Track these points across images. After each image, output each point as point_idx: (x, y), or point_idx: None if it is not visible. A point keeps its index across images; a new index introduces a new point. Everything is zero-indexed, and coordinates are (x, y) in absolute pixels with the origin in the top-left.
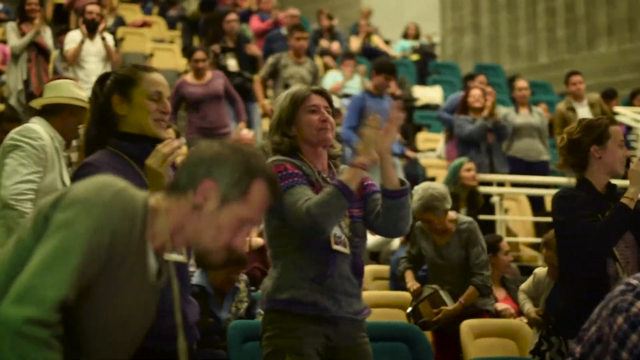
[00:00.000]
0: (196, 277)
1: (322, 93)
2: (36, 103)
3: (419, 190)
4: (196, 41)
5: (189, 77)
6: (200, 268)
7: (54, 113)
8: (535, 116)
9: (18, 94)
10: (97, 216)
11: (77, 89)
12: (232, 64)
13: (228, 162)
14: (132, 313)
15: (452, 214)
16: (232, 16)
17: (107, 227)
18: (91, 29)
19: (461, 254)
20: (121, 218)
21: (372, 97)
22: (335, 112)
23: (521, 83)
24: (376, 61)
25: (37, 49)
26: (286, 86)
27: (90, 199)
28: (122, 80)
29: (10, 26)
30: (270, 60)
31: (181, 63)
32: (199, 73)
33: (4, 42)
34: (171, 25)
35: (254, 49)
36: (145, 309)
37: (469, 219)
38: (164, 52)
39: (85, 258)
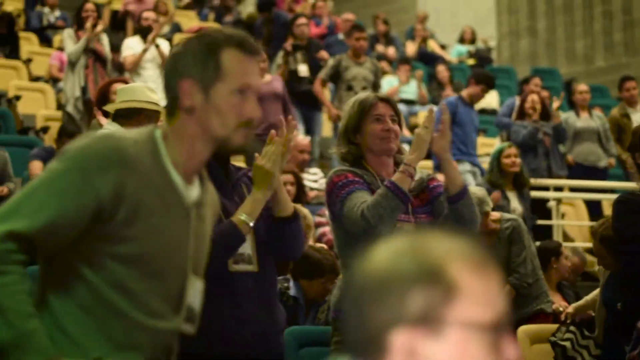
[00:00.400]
0: (291, 290)
1: (389, 101)
2: (111, 107)
3: None
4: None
5: None
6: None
7: (128, 117)
8: (595, 120)
9: (75, 100)
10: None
11: (151, 92)
12: (302, 69)
13: (188, 52)
14: (177, 241)
15: (495, 214)
16: (302, 20)
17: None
18: (145, 36)
19: (505, 253)
20: (108, 162)
21: (464, 104)
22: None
23: (582, 87)
24: (477, 72)
25: (94, 56)
26: (349, 88)
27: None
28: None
29: (67, 33)
30: (331, 62)
31: None
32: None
33: (62, 49)
34: None
35: (325, 54)
36: (185, 240)
37: (513, 216)
38: None
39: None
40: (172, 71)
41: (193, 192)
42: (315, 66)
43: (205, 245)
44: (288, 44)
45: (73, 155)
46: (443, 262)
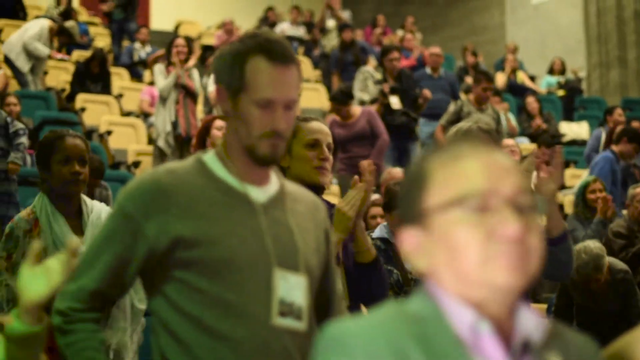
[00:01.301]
0: None
1: (490, 133)
2: None
3: (581, 254)
4: (335, 79)
5: (337, 117)
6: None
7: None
8: None
9: (166, 135)
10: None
11: None
12: (394, 101)
13: (222, 58)
14: (248, 240)
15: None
16: (395, 54)
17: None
18: None
19: (617, 303)
20: (157, 193)
21: (617, 160)
22: None
23: None
24: (629, 129)
25: (184, 91)
26: None
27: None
28: None
29: (158, 68)
30: (452, 108)
31: (327, 102)
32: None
33: (152, 84)
34: (316, 65)
35: (427, 93)
36: (259, 235)
37: (624, 267)
38: (309, 92)
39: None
40: (214, 75)
41: (263, 191)
42: (407, 97)
43: (300, 238)
44: (386, 86)
45: (117, 200)
46: (422, 162)
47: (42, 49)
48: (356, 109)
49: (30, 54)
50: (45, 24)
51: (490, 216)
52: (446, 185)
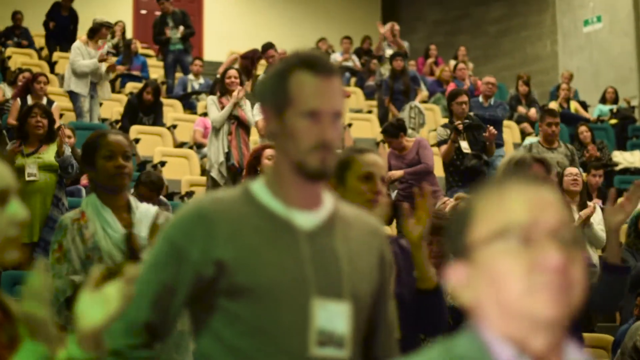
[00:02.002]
0: None
1: (544, 163)
2: None
3: None
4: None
5: (392, 149)
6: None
7: None
8: None
9: (219, 166)
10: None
11: None
12: (464, 145)
13: (265, 79)
14: (290, 267)
15: None
16: (464, 98)
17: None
18: None
19: None
20: (200, 222)
21: None
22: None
23: None
24: None
25: (237, 122)
26: None
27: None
28: (338, 165)
29: (211, 100)
30: (523, 151)
31: (379, 132)
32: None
33: (205, 115)
34: (368, 95)
35: (492, 130)
36: (299, 264)
37: None
38: (361, 122)
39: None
40: (260, 100)
41: (312, 216)
42: (477, 141)
43: (348, 264)
44: (459, 123)
45: (163, 229)
46: (471, 199)
47: (86, 63)
48: (409, 141)
49: (80, 74)
50: (76, 42)
51: (532, 248)
52: (490, 218)
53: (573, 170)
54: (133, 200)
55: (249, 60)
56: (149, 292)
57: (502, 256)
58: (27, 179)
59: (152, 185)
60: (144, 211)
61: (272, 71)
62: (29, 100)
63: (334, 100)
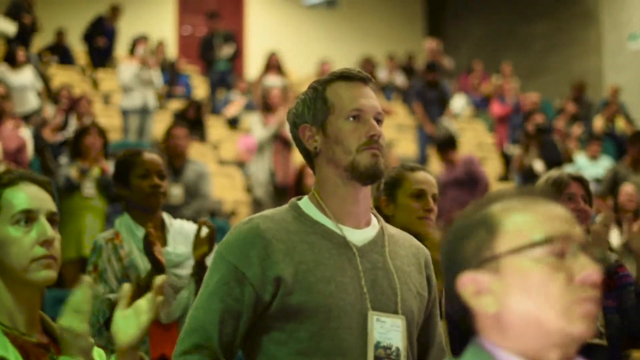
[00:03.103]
0: None
1: (582, 181)
2: None
3: None
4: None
5: (443, 162)
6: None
7: None
8: None
9: (264, 184)
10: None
11: None
12: (538, 166)
13: (300, 102)
14: (344, 283)
15: None
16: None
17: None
18: None
19: None
20: (251, 242)
21: None
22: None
23: None
24: None
25: (281, 140)
26: None
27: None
28: (389, 182)
29: (256, 118)
30: (609, 174)
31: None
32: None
33: (249, 132)
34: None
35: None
36: (356, 280)
37: None
38: (405, 139)
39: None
40: (291, 125)
41: (362, 234)
42: (550, 161)
43: (400, 281)
44: (531, 127)
45: (218, 252)
46: (485, 210)
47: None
48: (460, 156)
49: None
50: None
51: (567, 261)
52: (523, 229)
53: (629, 188)
54: (167, 217)
55: None
56: (213, 319)
57: (537, 267)
58: (85, 196)
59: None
60: (178, 228)
61: (304, 94)
62: (72, 120)
63: (374, 102)
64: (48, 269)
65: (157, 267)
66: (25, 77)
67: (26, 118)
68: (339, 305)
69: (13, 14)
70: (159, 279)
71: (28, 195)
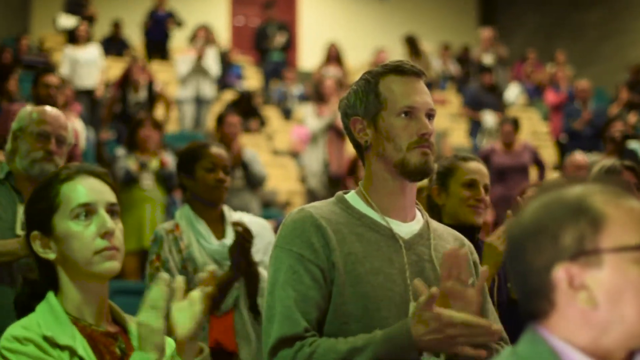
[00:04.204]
0: None
1: (634, 170)
2: None
3: None
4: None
5: (498, 146)
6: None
7: None
8: None
9: (318, 175)
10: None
11: None
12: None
13: (352, 93)
14: (391, 275)
15: None
16: (618, 126)
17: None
18: None
19: None
20: (307, 229)
21: None
22: None
23: None
24: None
25: (334, 131)
26: None
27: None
28: (441, 171)
29: (309, 108)
30: None
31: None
32: (508, 142)
33: (302, 122)
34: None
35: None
36: (403, 272)
37: None
38: (459, 128)
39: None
40: (342, 115)
41: (407, 227)
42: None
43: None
44: (618, 134)
45: (278, 245)
46: (584, 198)
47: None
48: (520, 139)
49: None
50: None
51: None
52: (630, 228)
53: None
54: (227, 210)
55: None
56: (294, 306)
57: (637, 269)
58: (143, 188)
59: None
60: (238, 218)
61: (358, 84)
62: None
63: (427, 97)
64: (111, 260)
65: (238, 268)
66: (90, 53)
67: (88, 93)
68: (387, 295)
69: (72, 10)
70: (208, 269)
71: (85, 189)
